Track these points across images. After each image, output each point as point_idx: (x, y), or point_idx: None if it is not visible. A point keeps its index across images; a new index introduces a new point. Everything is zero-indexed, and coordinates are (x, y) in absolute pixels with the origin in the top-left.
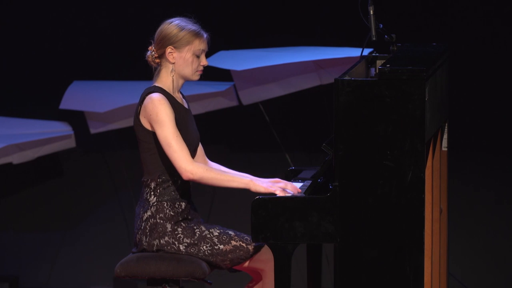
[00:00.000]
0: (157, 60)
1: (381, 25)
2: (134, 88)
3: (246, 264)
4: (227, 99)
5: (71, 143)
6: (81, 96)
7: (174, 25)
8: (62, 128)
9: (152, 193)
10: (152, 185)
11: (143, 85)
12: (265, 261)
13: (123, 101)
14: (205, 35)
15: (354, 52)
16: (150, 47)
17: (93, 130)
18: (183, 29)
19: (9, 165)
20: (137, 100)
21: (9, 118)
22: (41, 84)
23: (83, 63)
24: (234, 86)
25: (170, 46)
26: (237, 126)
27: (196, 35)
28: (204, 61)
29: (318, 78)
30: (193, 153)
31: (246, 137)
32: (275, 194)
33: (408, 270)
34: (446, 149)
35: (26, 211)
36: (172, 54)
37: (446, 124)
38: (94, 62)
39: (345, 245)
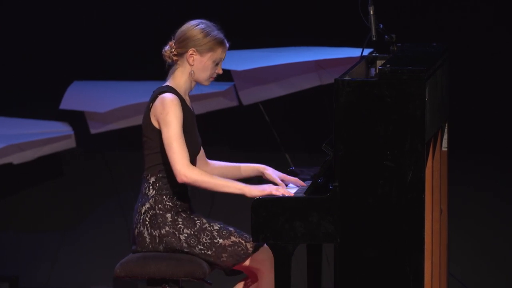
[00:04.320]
0: (175, 58)
1: (381, 25)
2: (134, 88)
3: (243, 262)
4: (227, 99)
5: (71, 143)
6: (81, 96)
7: (199, 29)
8: (62, 128)
9: (151, 187)
10: (152, 180)
11: (143, 85)
12: (262, 260)
13: (123, 101)
14: (227, 45)
15: (354, 52)
16: (170, 43)
17: (93, 130)
18: (209, 35)
19: (9, 165)
20: (137, 100)
21: (9, 118)
22: (41, 84)
23: (83, 63)
24: (234, 86)
25: (192, 49)
26: (237, 126)
27: (220, 43)
28: (220, 70)
29: (318, 78)
30: (194, 158)
31: (246, 137)
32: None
33: (408, 270)
34: (446, 149)
35: (26, 211)
36: (192, 57)
37: (446, 124)
38: (94, 62)
39: (345, 245)
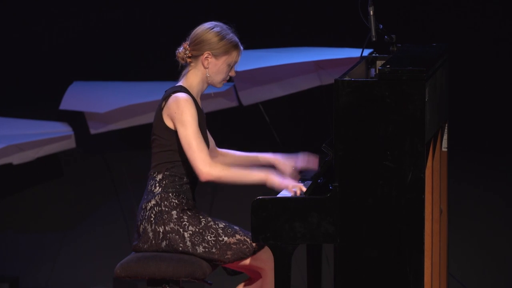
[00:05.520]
0: (189, 60)
1: (381, 26)
2: (134, 88)
3: (246, 262)
4: (227, 99)
5: (71, 144)
6: (81, 96)
7: (215, 33)
8: (62, 129)
9: (157, 184)
10: (158, 177)
11: (143, 86)
12: (266, 260)
13: (123, 101)
14: (242, 47)
15: (354, 53)
16: (184, 45)
17: (93, 131)
18: (224, 38)
19: (9, 165)
20: (137, 101)
21: (9, 119)
22: (41, 84)
23: (83, 63)
24: (234, 86)
25: (208, 52)
26: (237, 127)
27: (235, 46)
28: (233, 72)
29: (318, 79)
30: None
31: (246, 137)
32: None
33: (408, 270)
34: (446, 149)
35: (26, 211)
36: (207, 60)
37: (446, 125)
38: (94, 62)
39: (345, 246)
